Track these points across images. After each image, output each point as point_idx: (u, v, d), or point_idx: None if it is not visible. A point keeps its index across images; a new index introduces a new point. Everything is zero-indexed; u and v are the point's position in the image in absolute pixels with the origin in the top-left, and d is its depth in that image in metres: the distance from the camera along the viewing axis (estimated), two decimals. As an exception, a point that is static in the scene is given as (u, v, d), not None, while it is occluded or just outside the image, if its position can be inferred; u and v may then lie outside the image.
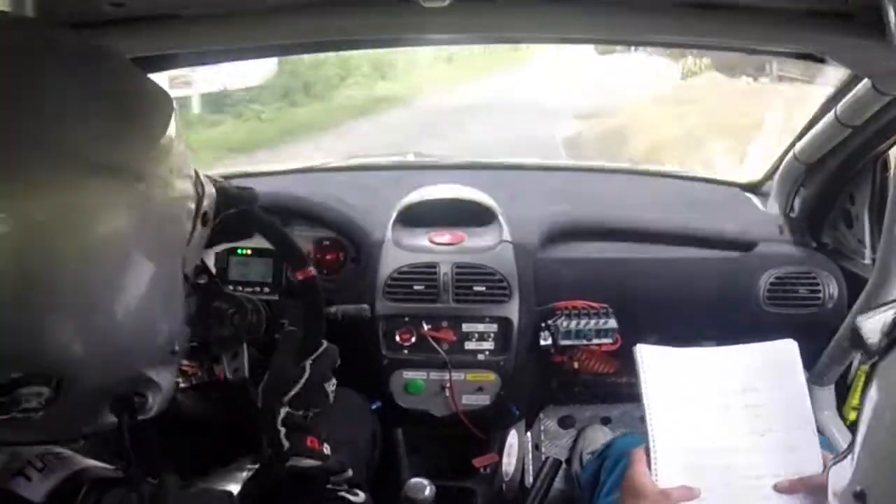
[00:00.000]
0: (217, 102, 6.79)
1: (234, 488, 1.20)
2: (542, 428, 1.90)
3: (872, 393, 0.66)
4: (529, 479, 1.66)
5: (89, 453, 0.73)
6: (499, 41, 1.32)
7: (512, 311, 1.51)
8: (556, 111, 7.69)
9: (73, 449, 0.71)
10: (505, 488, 1.57)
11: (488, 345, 1.51)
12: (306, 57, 7.30)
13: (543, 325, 1.54)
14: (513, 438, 1.61)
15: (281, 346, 1.01)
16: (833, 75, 1.41)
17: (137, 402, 0.67)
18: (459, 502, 1.52)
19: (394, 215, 1.62)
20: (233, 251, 1.44)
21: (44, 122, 0.55)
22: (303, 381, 0.97)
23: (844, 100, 1.36)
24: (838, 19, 0.98)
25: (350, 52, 5.80)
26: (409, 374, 1.51)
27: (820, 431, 0.97)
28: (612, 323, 1.52)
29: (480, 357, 1.51)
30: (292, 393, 0.94)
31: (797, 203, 1.72)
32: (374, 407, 1.49)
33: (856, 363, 1.51)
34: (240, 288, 1.39)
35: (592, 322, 1.53)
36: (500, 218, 1.62)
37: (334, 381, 1.06)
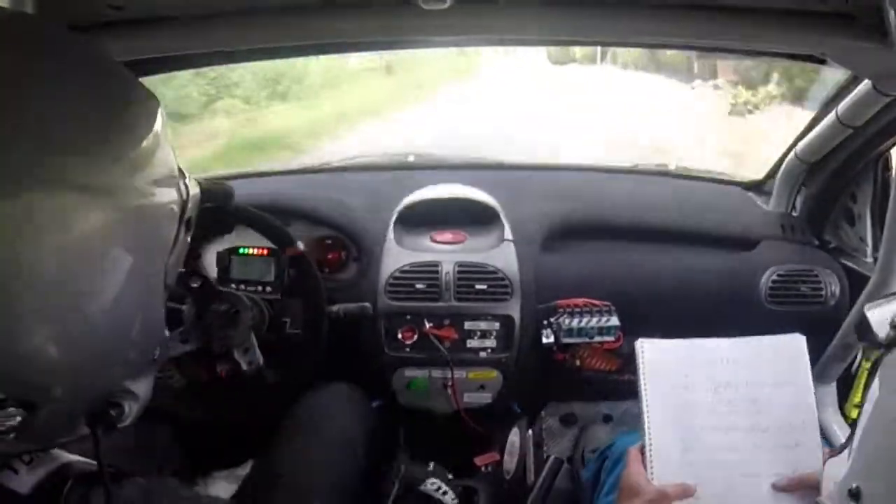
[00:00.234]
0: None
1: (234, 488, 1.21)
2: (544, 426, 1.91)
3: (875, 387, 0.65)
4: (531, 478, 1.66)
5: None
6: (499, 43, 1.31)
7: (514, 309, 1.51)
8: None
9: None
10: (507, 486, 1.58)
11: (490, 343, 1.52)
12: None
13: (545, 322, 1.55)
14: (514, 436, 1.62)
15: None
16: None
17: (113, 414, 0.66)
18: (461, 500, 1.53)
19: (395, 215, 1.63)
20: (234, 250, 1.45)
21: (21, 130, 0.53)
22: None
23: (845, 100, 1.36)
24: (839, 20, 0.97)
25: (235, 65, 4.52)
26: (411, 372, 1.52)
27: (821, 429, 0.96)
28: (615, 321, 1.53)
29: (482, 355, 1.52)
30: None
31: (799, 202, 1.72)
32: (374, 405, 1.50)
33: (858, 360, 1.51)
34: (242, 287, 1.40)
35: (594, 320, 1.53)
36: (502, 217, 1.63)
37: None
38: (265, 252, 1.43)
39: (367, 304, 1.45)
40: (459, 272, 1.52)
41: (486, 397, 1.54)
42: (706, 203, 1.80)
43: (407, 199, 1.66)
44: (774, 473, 0.92)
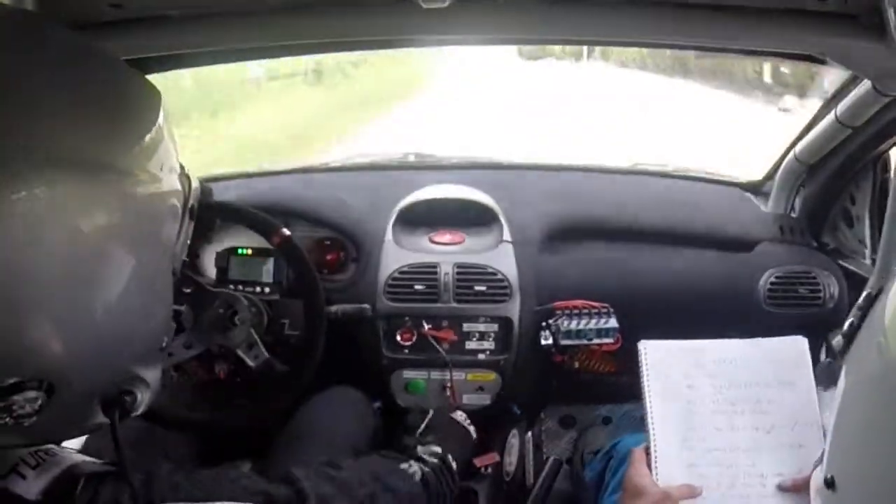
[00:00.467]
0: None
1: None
2: (543, 428, 1.90)
3: (841, 381, 0.67)
4: (531, 479, 1.66)
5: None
6: (499, 42, 1.31)
7: (512, 310, 1.51)
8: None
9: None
10: (506, 488, 1.57)
11: (489, 344, 1.51)
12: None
13: (544, 324, 1.54)
14: (513, 438, 1.61)
15: None
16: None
17: (127, 400, 0.66)
18: (460, 502, 1.52)
19: (394, 215, 1.62)
20: (233, 251, 1.45)
21: (28, 119, 0.54)
22: None
23: (844, 101, 1.36)
24: (839, 20, 0.97)
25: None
26: (409, 374, 1.52)
27: (824, 430, 0.96)
28: (613, 322, 1.52)
29: (481, 357, 1.51)
30: None
31: (798, 203, 1.72)
32: (375, 406, 1.49)
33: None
34: (240, 287, 1.40)
35: (593, 322, 1.52)
36: (501, 218, 1.62)
37: None
38: (264, 253, 1.43)
39: (365, 306, 1.45)
40: (458, 274, 1.51)
41: (484, 399, 1.54)
42: (704, 204, 1.80)
43: (406, 200, 1.65)
44: (778, 474, 0.92)
